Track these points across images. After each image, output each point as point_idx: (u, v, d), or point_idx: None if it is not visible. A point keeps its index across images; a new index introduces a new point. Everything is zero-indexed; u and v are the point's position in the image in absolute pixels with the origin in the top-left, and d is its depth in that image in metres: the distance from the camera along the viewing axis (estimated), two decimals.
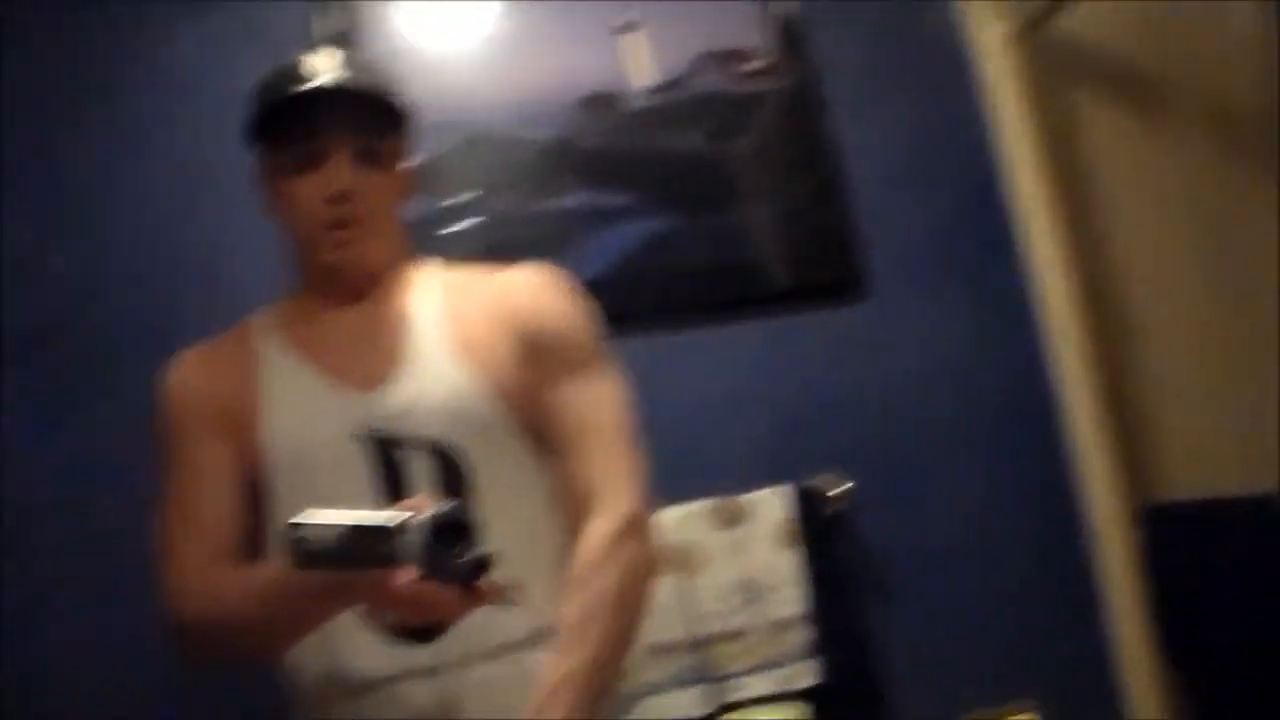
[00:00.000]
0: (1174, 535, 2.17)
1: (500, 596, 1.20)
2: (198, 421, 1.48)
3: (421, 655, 1.38)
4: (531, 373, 1.47)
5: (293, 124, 1.45)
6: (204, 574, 1.40)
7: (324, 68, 1.46)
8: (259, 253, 2.10)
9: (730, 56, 2.34)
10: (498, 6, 2.28)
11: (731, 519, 2.09)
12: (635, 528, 1.42)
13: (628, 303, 2.12)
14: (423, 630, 1.36)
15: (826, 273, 2.32)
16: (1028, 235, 2.37)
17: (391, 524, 1.11)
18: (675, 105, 2.30)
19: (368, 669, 1.39)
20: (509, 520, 1.38)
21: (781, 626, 2.06)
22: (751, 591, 2.06)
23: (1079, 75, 2.39)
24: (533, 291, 1.53)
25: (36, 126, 2.14)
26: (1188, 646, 2.14)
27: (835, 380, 2.29)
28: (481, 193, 2.19)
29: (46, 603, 1.99)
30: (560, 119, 2.24)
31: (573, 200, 2.23)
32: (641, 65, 2.29)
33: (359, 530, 1.12)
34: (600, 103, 2.26)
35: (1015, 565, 2.28)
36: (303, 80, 1.45)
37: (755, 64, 2.35)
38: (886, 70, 2.43)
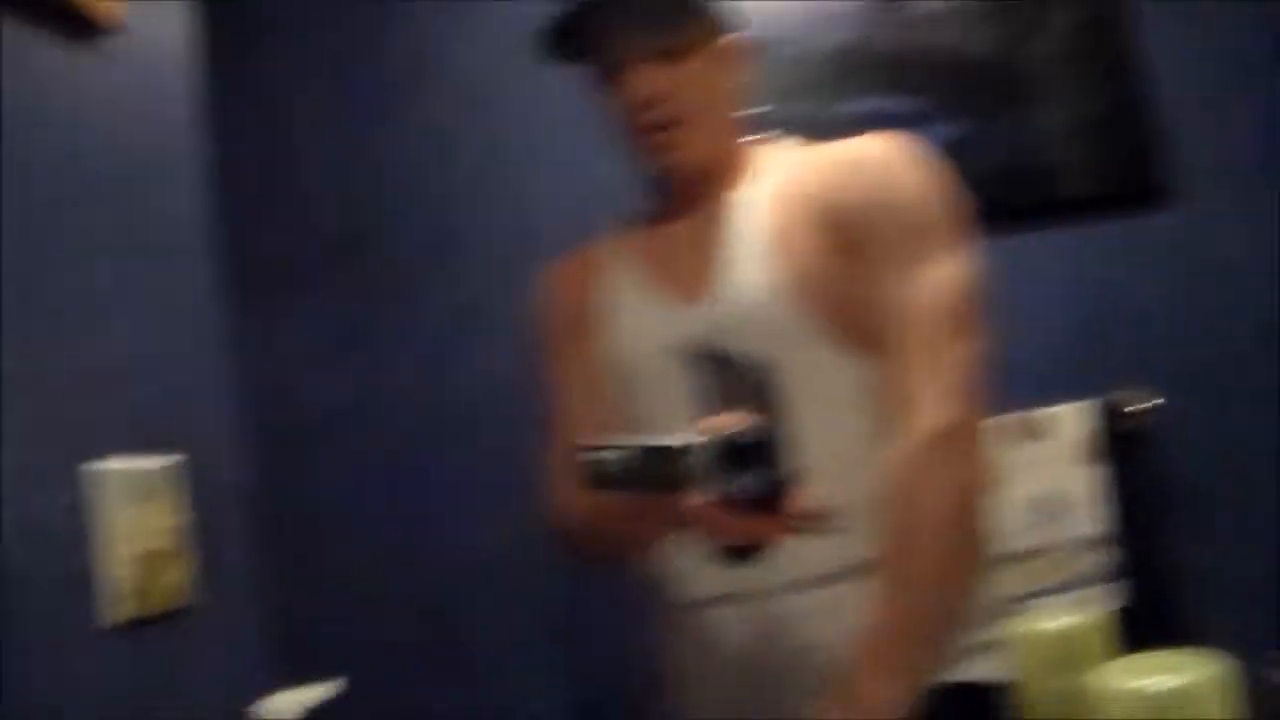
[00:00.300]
0: None
1: (810, 522, 1.13)
2: (557, 331, 1.51)
3: (738, 579, 1.32)
4: (851, 262, 1.32)
5: (584, 38, 1.38)
6: (561, 479, 1.41)
7: None
8: (545, 167, 2.20)
9: None
10: None
11: (1032, 433, 2.01)
12: (958, 439, 1.24)
13: None
14: (742, 552, 1.31)
15: (1132, 180, 2.20)
16: None
17: (676, 446, 1.07)
18: (970, 5, 2.20)
19: (692, 589, 1.37)
20: (824, 439, 1.28)
21: (1081, 546, 1.98)
22: (1051, 509, 1.99)
23: None
24: (854, 166, 1.36)
25: (331, 51, 2.23)
26: None
27: (1141, 291, 2.19)
28: (774, 104, 2.14)
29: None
30: (850, 22, 2.18)
31: (865, 106, 2.16)
32: None
33: (646, 452, 1.09)
34: (891, 5, 2.19)
35: None
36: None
37: None
38: None
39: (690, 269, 1.38)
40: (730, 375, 1.32)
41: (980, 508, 1.26)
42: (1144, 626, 1.96)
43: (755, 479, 1.08)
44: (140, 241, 1.39)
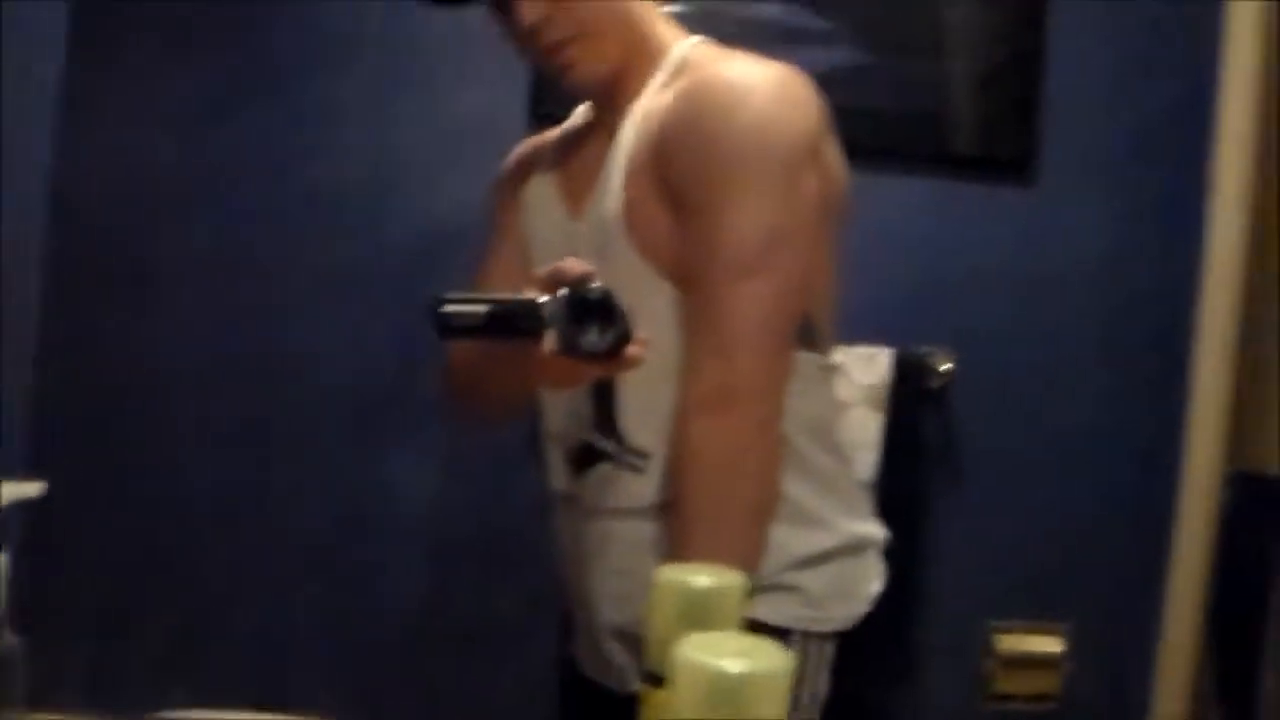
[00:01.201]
0: (1256, 507, 2.14)
1: (636, 363, 1.20)
2: (497, 206, 1.61)
3: (575, 486, 1.42)
4: (669, 196, 1.32)
5: None
6: None
7: None
8: None
9: None
10: None
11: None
12: (724, 403, 1.27)
13: None
14: (578, 464, 1.40)
15: (1002, 147, 2.26)
16: (1219, 166, 2.27)
17: (535, 299, 1.16)
18: None
19: (553, 482, 1.47)
20: (636, 379, 1.28)
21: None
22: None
23: None
24: (692, 98, 1.33)
25: None
26: (1234, 622, 2.14)
27: (979, 256, 2.26)
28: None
29: None
30: None
31: (767, 12, 2.18)
32: None
33: (507, 304, 1.18)
34: None
35: (1096, 487, 2.28)
36: None
37: None
38: None
39: (582, 184, 1.42)
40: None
41: (752, 461, 1.28)
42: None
43: (600, 334, 1.16)
44: None
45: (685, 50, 1.41)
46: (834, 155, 1.41)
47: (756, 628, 0.86)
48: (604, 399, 1.37)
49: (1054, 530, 2.26)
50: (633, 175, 1.34)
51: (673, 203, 1.32)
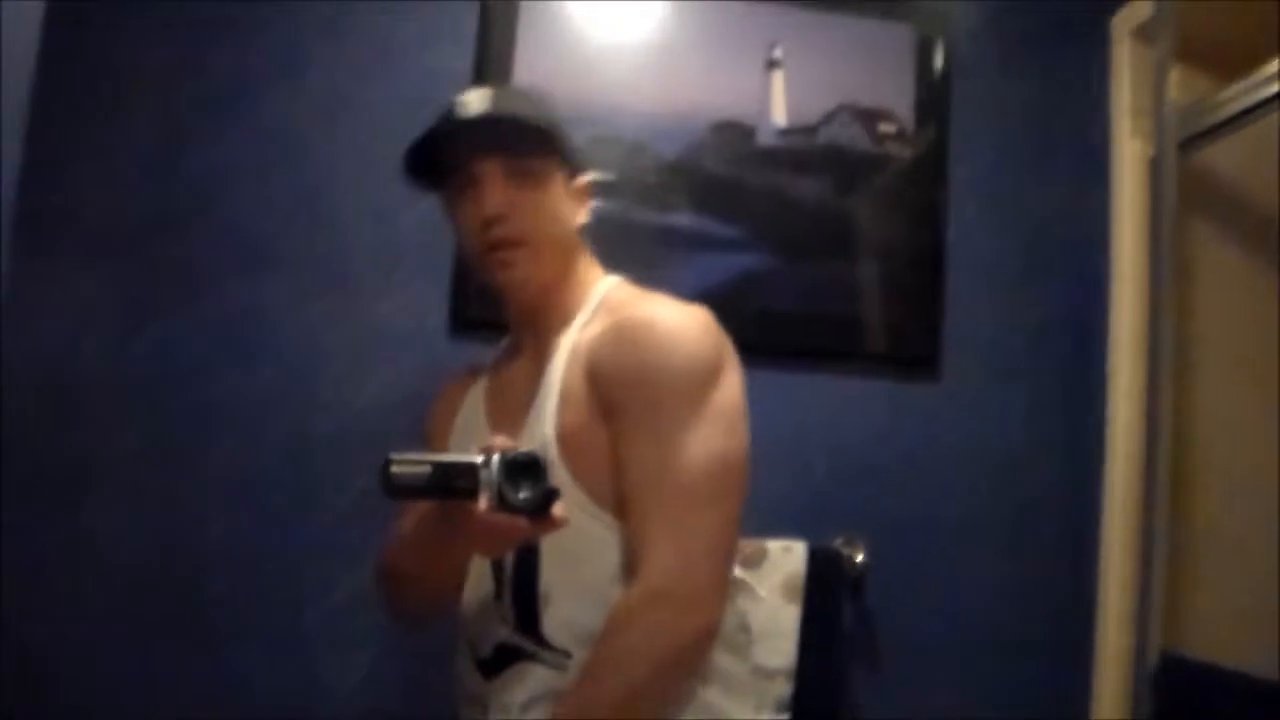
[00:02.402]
0: (1176, 694, 2.17)
1: (562, 524, 1.32)
2: (426, 439, 1.70)
3: (484, 689, 1.49)
4: (608, 424, 1.43)
5: (443, 154, 1.53)
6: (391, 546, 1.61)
7: (473, 101, 1.52)
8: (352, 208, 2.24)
9: (869, 114, 2.37)
10: (659, 10, 2.32)
11: (748, 561, 2.14)
12: (659, 602, 1.35)
13: None
14: (490, 667, 1.49)
15: (904, 344, 2.37)
16: (1116, 359, 2.38)
17: (473, 461, 1.28)
18: (804, 150, 2.34)
19: (462, 688, 1.57)
20: (570, 586, 1.43)
21: (766, 675, 2.12)
22: (748, 634, 2.12)
23: (1206, 209, 2.38)
24: (626, 334, 1.46)
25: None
26: None
27: (887, 450, 2.34)
28: (598, 194, 2.24)
29: None
30: (691, 139, 2.29)
31: (684, 220, 2.28)
32: (781, 104, 2.34)
33: (448, 465, 1.29)
34: (733, 131, 2.31)
35: (1011, 675, 2.32)
36: (450, 114, 1.52)
37: (891, 126, 2.38)
38: (1017, 162, 2.46)
39: (512, 412, 1.52)
40: None
41: (675, 671, 1.39)
42: None
43: (529, 491, 1.28)
44: None
45: (608, 288, 1.57)
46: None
47: None
48: (527, 599, 1.45)
49: (972, 710, 2.28)
50: (568, 405, 1.46)
51: (614, 432, 1.43)
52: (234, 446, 2.15)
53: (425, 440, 1.71)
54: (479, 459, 1.28)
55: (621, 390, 1.43)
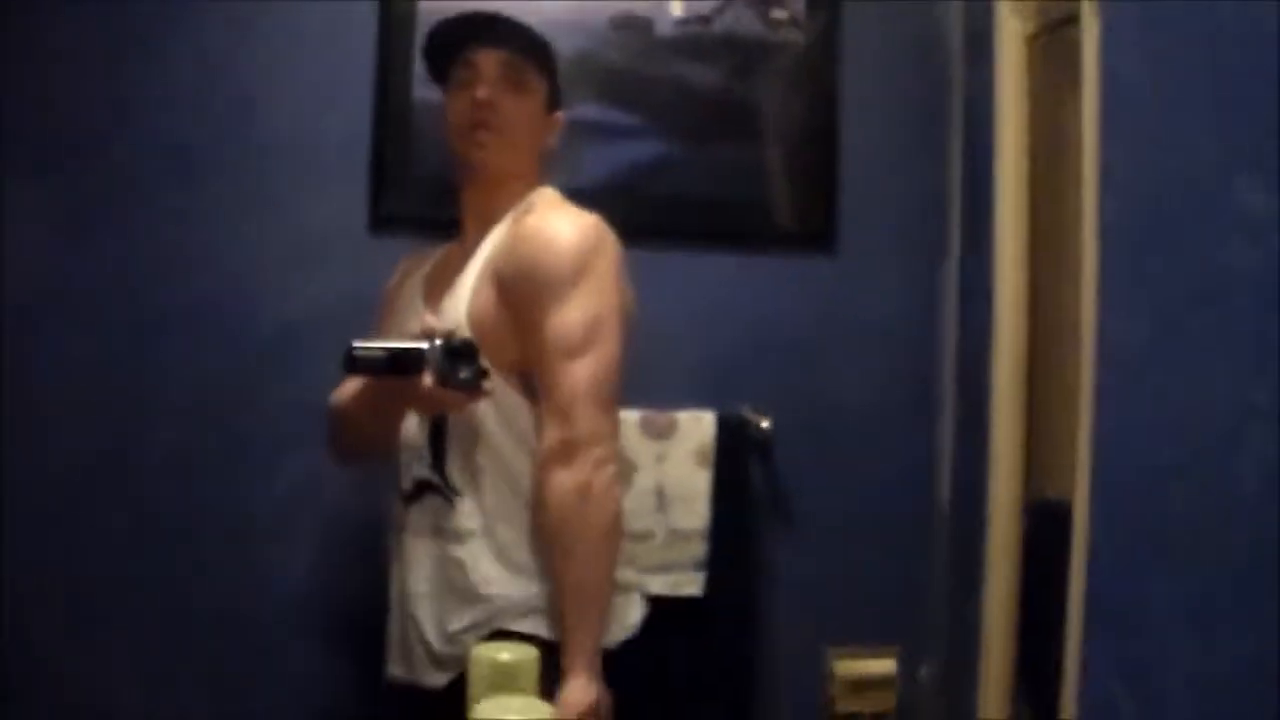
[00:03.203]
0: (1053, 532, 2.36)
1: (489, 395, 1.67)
2: (381, 306, 1.99)
3: (404, 516, 1.80)
4: (507, 311, 1.72)
5: (451, 45, 1.82)
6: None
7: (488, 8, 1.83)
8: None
9: (762, 1, 2.47)
10: None
11: (660, 432, 2.30)
12: (567, 453, 1.64)
13: (615, 217, 2.29)
14: (409, 497, 1.79)
15: (804, 222, 2.49)
16: (1000, 225, 2.52)
17: (422, 346, 1.60)
18: (700, 38, 2.44)
19: (393, 517, 1.85)
20: (466, 437, 1.73)
21: (683, 536, 2.30)
22: (663, 499, 2.29)
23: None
24: (522, 240, 1.75)
25: None
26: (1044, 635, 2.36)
27: (789, 324, 2.48)
28: None
29: None
30: (591, 33, 2.38)
31: (590, 112, 2.38)
32: None
33: (400, 350, 1.62)
34: (631, 24, 2.40)
35: (911, 525, 2.52)
36: (461, 14, 1.82)
37: (783, 12, 2.48)
38: (905, 42, 2.56)
39: (442, 290, 1.80)
40: None
41: (589, 509, 1.64)
42: (722, 614, 2.33)
43: (467, 372, 1.60)
44: None
45: (539, 193, 1.86)
46: (628, 287, 1.83)
47: (536, 641, 1.30)
48: (439, 446, 1.76)
49: (879, 562, 2.49)
50: (479, 292, 1.73)
51: (512, 312, 1.72)
52: (173, 353, 2.25)
53: (381, 306, 1.98)
54: (425, 344, 1.58)
55: (513, 283, 1.72)
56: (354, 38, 2.30)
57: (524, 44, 1.83)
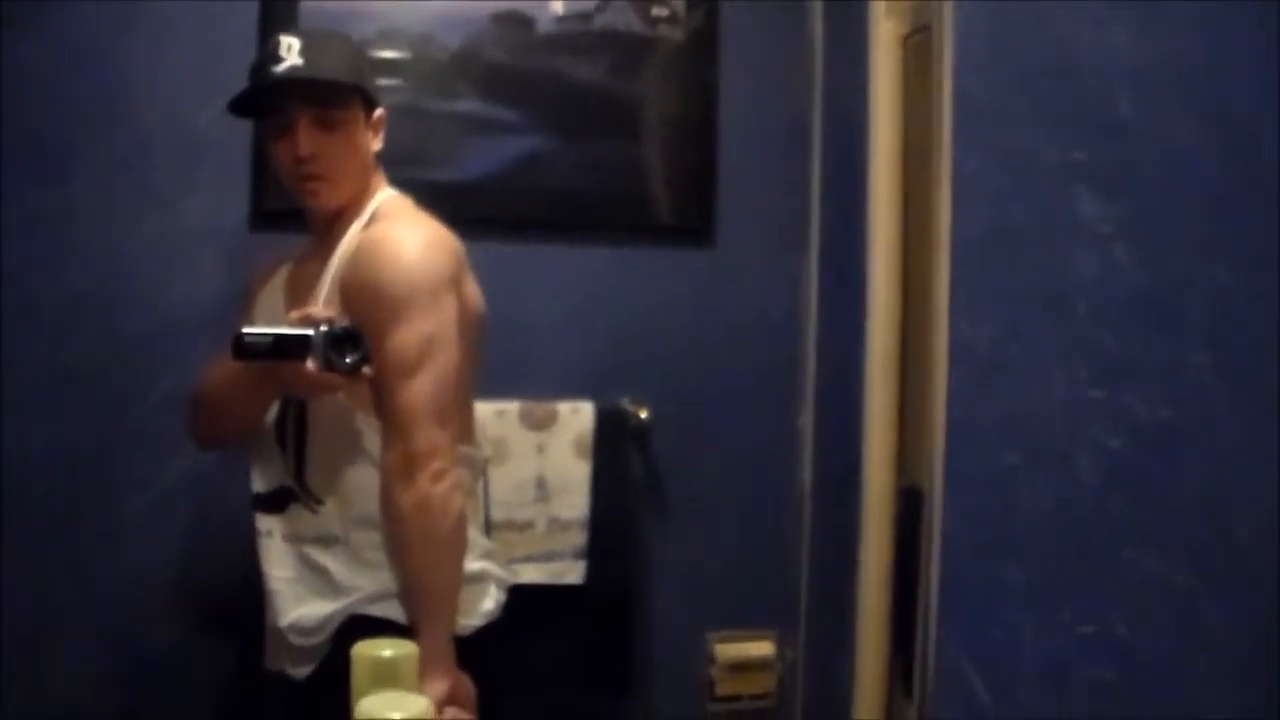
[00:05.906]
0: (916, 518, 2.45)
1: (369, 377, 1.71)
2: (241, 305, 1.99)
3: (271, 522, 1.84)
4: (356, 323, 1.73)
5: (266, 102, 1.82)
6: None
7: (289, 52, 1.78)
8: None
9: None
10: None
11: (540, 423, 2.35)
12: (407, 468, 1.67)
13: (496, 210, 2.37)
14: (276, 504, 1.82)
15: (681, 216, 2.55)
16: (873, 221, 2.59)
17: (307, 333, 1.66)
18: (581, 35, 2.47)
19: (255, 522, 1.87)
20: (326, 447, 1.79)
21: (563, 526, 2.35)
22: (544, 490, 2.34)
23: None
24: (362, 251, 1.78)
25: None
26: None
27: (667, 316, 2.53)
28: (384, 85, 2.35)
29: None
30: (473, 29, 2.40)
31: (466, 106, 2.40)
32: None
33: (288, 336, 1.67)
34: (512, 20, 2.43)
35: (787, 510, 2.59)
36: (268, 66, 1.79)
37: (663, 10, 2.52)
38: (782, 41, 2.61)
39: (302, 298, 1.83)
40: None
41: (436, 515, 1.68)
42: (603, 602, 2.39)
43: (353, 357, 1.67)
44: None
45: (380, 201, 1.89)
46: (471, 286, 1.87)
47: (391, 627, 1.45)
48: (300, 454, 1.80)
49: (757, 547, 2.57)
50: (331, 301, 1.77)
51: (358, 324, 1.72)
52: (45, 348, 2.23)
53: (246, 297, 1.99)
54: (310, 331, 1.66)
55: (356, 298, 1.76)
56: (234, 29, 2.28)
57: (334, 94, 1.83)
